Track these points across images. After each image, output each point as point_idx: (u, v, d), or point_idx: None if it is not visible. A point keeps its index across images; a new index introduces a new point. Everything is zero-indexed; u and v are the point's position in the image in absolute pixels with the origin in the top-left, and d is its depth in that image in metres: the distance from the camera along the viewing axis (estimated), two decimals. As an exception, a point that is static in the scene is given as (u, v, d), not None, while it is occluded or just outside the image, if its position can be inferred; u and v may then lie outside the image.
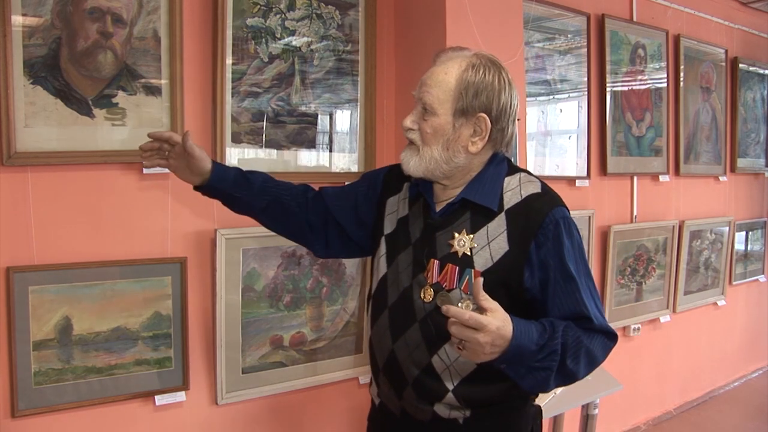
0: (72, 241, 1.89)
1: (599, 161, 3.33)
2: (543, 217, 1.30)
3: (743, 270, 4.45)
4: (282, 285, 2.28)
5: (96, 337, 1.92)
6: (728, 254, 4.21)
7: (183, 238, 2.08)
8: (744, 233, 4.43)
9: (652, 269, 3.63)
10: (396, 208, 1.50)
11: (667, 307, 3.78)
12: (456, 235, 1.34)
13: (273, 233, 2.20)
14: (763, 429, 3.80)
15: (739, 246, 4.38)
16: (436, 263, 1.34)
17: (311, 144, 2.35)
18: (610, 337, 1.34)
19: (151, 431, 2.05)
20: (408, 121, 1.39)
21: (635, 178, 3.54)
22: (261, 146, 2.22)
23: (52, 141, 1.83)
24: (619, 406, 3.46)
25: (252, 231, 2.18)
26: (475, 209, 1.35)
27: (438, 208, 1.40)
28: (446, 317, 1.23)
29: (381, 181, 1.58)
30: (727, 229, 4.18)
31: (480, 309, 1.15)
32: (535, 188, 1.36)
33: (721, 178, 4.14)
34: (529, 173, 1.41)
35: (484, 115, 1.32)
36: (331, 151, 2.41)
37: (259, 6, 2.18)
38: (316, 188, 1.64)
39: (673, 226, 3.72)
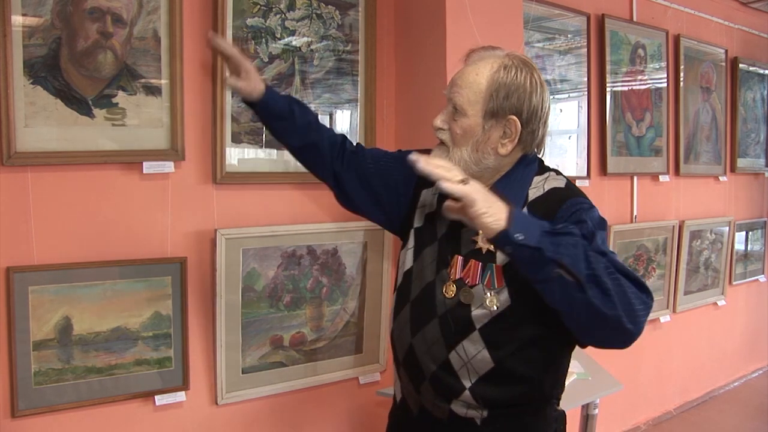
0: (72, 241, 1.89)
1: (599, 161, 3.33)
2: (562, 203, 1.28)
3: (743, 270, 4.45)
4: (282, 285, 2.28)
5: (96, 337, 1.92)
6: (728, 254, 4.21)
7: (183, 238, 2.08)
8: (744, 233, 4.42)
9: (652, 269, 3.63)
10: (426, 201, 1.49)
11: (667, 307, 3.77)
12: (480, 232, 1.31)
13: (273, 233, 2.22)
14: (763, 429, 3.80)
15: (739, 246, 4.37)
16: (460, 259, 1.34)
17: (311, 144, 2.34)
18: (642, 289, 1.13)
19: (151, 431, 2.05)
20: (438, 121, 1.38)
21: (635, 178, 3.54)
22: (261, 146, 2.22)
23: (52, 141, 1.83)
24: (619, 406, 3.46)
25: (252, 231, 2.18)
26: None
27: None
28: (468, 316, 1.26)
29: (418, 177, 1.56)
30: (727, 229, 4.18)
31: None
32: (559, 183, 1.35)
33: (721, 178, 4.14)
34: (558, 172, 1.40)
35: (515, 118, 1.31)
36: (331, 151, 2.40)
37: (259, 6, 2.18)
38: (354, 143, 1.64)
39: (673, 226, 3.72)
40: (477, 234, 1.33)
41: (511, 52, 1.36)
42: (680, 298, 3.86)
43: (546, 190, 1.33)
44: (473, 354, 1.30)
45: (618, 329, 1.11)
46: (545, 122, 1.36)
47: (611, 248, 3.30)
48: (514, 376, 1.30)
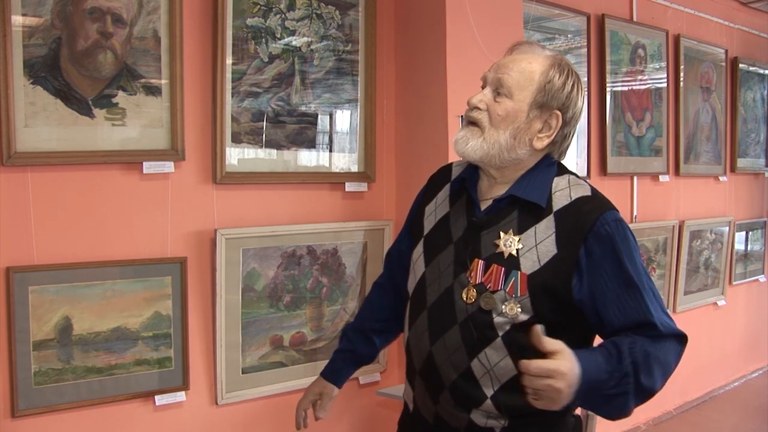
0: (72, 241, 1.89)
1: (599, 161, 3.33)
2: (593, 221, 1.25)
3: (743, 270, 4.44)
4: (282, 285, 2.28)
5: (96, 337, 1.92)
6: (728, 254, 4.21)
7: (183, 238, 2.08)
8: (744, 233, 4.42)
9: (652, 269, 3.63)
10: (434, 208, 1.46)
11: (667, 307, 3.77)
12: (502, 234, 1.29)
13: (273, 233, 2.22)
14: (763, 429, 3.80)
15: (739, 246, 4.37)
16: (480, 263, 1.29)
17: (311, 144, 2.35)
18: (680, 340, 1.28)
19: (151, 431, 2.05)
20: (476, 99, 1.33)
21: (635, 178, 3.54)
22: (261, 146, 2.22)
23: (52, 141, 1.83)
24: (619, 406, 3.46)
25: (252, 231, 2.18)
26: (522, 209, 1.31)
27: (483, 206, 1.36)
28: (490, 323, 1.25)
29: (420, 198, 1.54)
30: (727, 229, 4.18)
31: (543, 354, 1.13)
32: (585, 191, 1.32)
33: (721, 178, 4.14)
34: (578, 176, 1.38)
35: (559, 113, 1.30)
36: (331, 151, 2.41)
37: (259, 6, 2.18)
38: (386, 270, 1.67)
39: (673, 226, 3.72)
40: (499, 237, 1.30)
41: (559, 54, 1.37)
42: (680, 298, 3.86)
43: (573, 199, 1.30)
44: (496, 361, 1.26)
45: None
46: (575, 132, 1.37)
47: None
48: None
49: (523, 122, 1.30)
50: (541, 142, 1.31)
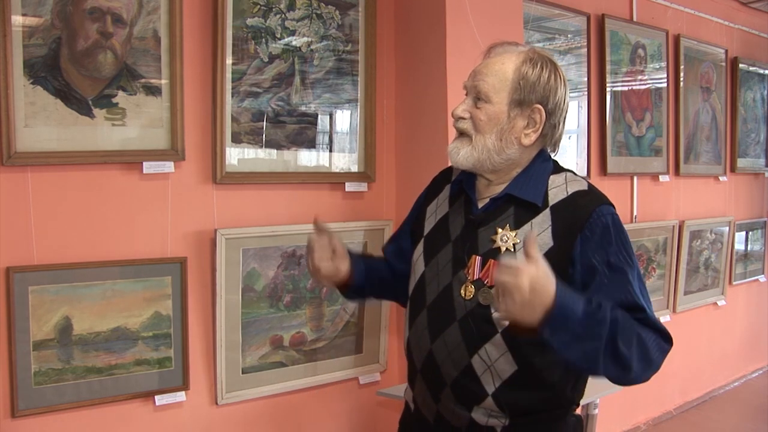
0: (72, 241, 1.89)
1: (599, 161, 3.33)
2: (589, 213, 1.27)
3: (743, 270, 4.44)
4: (282, 285, 2.28)
5: (96, 337, 1.92)
6: (728, 254, 4.21)
7: (183, 238, 2.09)
8: (744, 233, 4.42)
9: (652, 269, 3.63)
10: (435, 209, 1.48)
11: (667, 307, 3.77)
12: (499, 230, 1.31)
13: (273, 233, 2.22)
14: (763, 429, 3.80)
15: (739, 246, 4.37)
16: (478, 259, 1.31)
17: (311, 144, 2.35)
18: (665, 338, 1.27)
19: (150, 431, 2.05)
20: (459, 110, 1.36)
21: (635, 178, 3.54)
22: (261, 146, 2.23)
23: (52, 141, 1.83)
24: (619, 406, 3.46)
25: (252, 231, 2.18)
26: (519, 205, 1.32)
27: (480, 205, 1.38)
28: (489, 318, 1.25)
29: (422, 199, 1.56)
30: (727, 229, 4.18)
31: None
32: (582, 186, 1.34)
33: (721, 178, 4.14)
34: (575, 173, 1.39)
35: (540, 107, 1.31)
36: (331, 151, 2.41)
37: (259, 6, 2.18)
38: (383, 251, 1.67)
39: (673, 226, 3.72)
40: (495, 233, 1.31)
41: (534, 47, 1.38)
42: (680, 298, 3.86)
43: (569, 193, 1.31)
44: (496, 357, 1.27)
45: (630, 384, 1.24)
46: (565, 120, 1.37)
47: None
48: (537, 380, 1.28)
49: (505, 123, 1.32)
50: (529, 138, 1.33)
